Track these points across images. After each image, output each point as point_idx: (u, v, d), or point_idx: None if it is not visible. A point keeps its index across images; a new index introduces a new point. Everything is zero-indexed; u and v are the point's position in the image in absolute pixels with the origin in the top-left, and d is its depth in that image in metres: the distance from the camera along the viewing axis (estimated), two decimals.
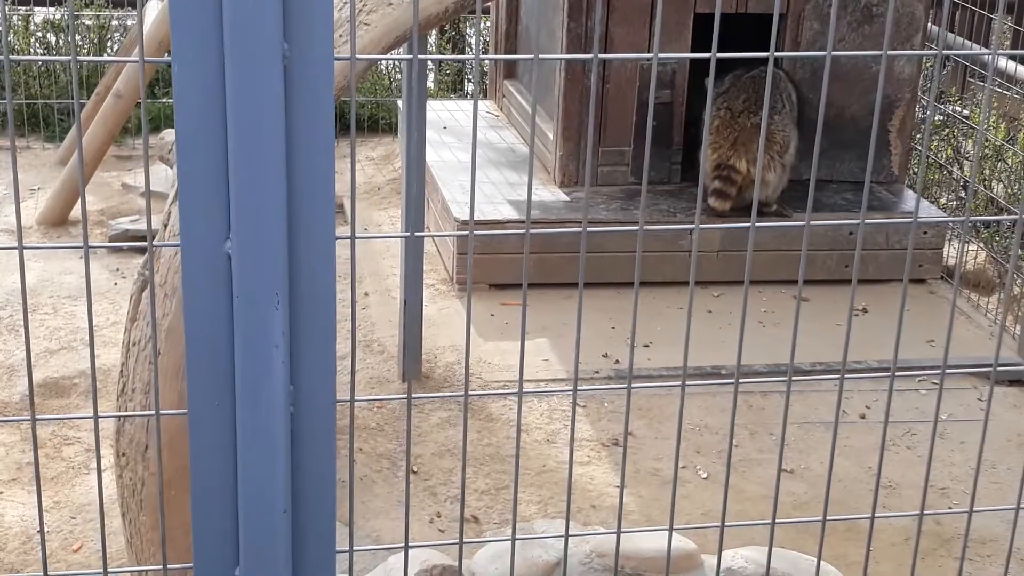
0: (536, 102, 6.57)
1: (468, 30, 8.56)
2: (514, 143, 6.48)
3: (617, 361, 4.97)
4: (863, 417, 4.64)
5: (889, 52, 1.67)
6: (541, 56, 1.79)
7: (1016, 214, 1.78)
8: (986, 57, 1.48)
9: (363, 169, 7.02)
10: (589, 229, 1.74)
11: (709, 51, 1.66)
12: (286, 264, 1.52)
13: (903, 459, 4.37)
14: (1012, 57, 6.29)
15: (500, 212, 5.52)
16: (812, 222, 1.73)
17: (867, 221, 1.74)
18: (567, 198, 5.70)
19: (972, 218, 1.70)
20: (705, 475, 4.25)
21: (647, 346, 5.08)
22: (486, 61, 7.87)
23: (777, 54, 1.60)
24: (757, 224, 1.73)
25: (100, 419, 1.72)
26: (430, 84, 8.12)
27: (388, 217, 6.31)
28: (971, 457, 4.41)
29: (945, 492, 4.22)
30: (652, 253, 5.46)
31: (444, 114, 6.98)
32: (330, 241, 1.54)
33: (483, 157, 6.30)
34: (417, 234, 1.56)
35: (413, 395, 2.11)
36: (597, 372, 4.86)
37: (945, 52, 1.56)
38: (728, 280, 5.53)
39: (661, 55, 1.61)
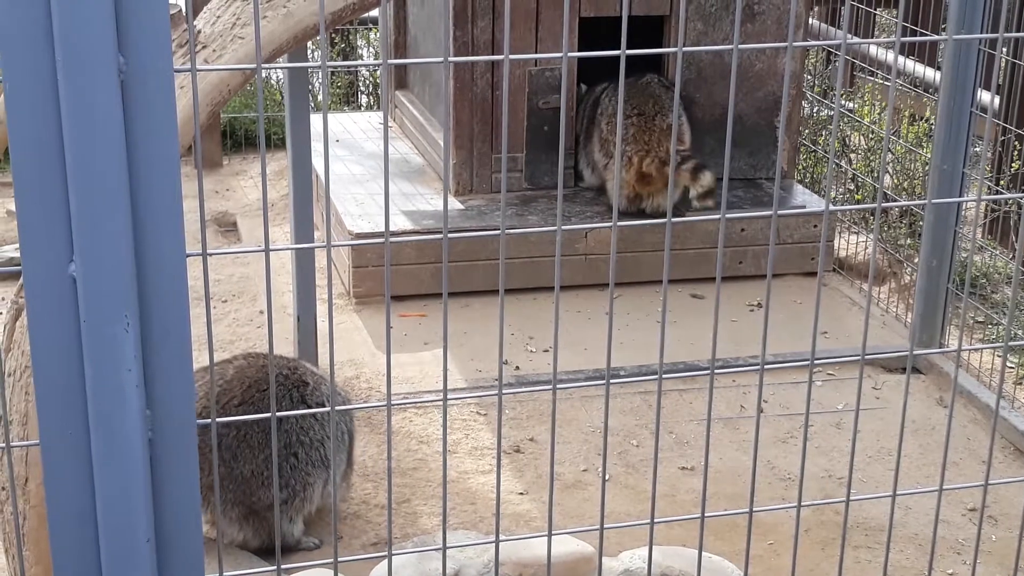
0: (430, 112, 6.51)
1: (359, 41, 8.50)
2: (408, 153, 6.44)
3: (517, 368, 4.95)
4: (762, 411, 4.66)
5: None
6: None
7: (878, 202, 1.79)
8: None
9: (255, 185, 6.92)
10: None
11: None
12: (134, 285, 1.47)
13: (801, 451, 4.40)
14: (878, 45, 6.40)
15: (395, 223, 5.48)
16: (674, 219, 1.73)
17: (728, 215, 1.74)
18: (462, 206, 5.67)
19: (832, 207, 1.71)
20: (607, 476, 4.25)
21: (547, 351, 5.07)
22: (378, 72, 7.83)
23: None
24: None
25: None
26: (321, 96, 8.03)
27: (283, 233, 6.22)
28: (868, 446, 4.46)
29: (843, 482, 4.26)
30: (548, 258, 5.45)
31: (336, 127, 6.92)
32: (180, 259, 1.49)
33: (377, 168, 6.26)
34: (272, 247, 1.52)
35: (278, 413, 2.06)
36: (496, 380, 4.83)
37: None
38: (625, 281, 5.54)
39: (513, 55, 1.59)
